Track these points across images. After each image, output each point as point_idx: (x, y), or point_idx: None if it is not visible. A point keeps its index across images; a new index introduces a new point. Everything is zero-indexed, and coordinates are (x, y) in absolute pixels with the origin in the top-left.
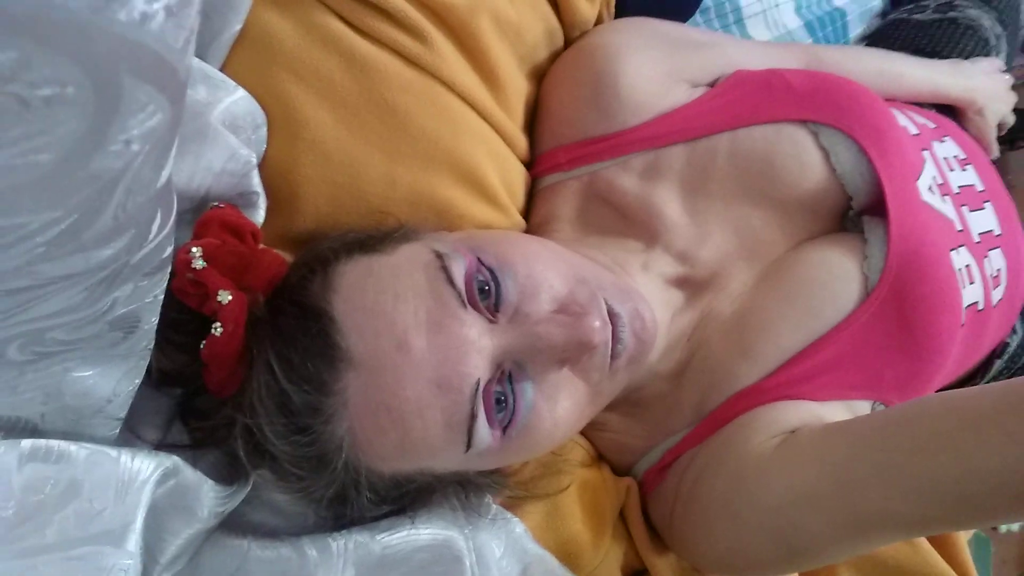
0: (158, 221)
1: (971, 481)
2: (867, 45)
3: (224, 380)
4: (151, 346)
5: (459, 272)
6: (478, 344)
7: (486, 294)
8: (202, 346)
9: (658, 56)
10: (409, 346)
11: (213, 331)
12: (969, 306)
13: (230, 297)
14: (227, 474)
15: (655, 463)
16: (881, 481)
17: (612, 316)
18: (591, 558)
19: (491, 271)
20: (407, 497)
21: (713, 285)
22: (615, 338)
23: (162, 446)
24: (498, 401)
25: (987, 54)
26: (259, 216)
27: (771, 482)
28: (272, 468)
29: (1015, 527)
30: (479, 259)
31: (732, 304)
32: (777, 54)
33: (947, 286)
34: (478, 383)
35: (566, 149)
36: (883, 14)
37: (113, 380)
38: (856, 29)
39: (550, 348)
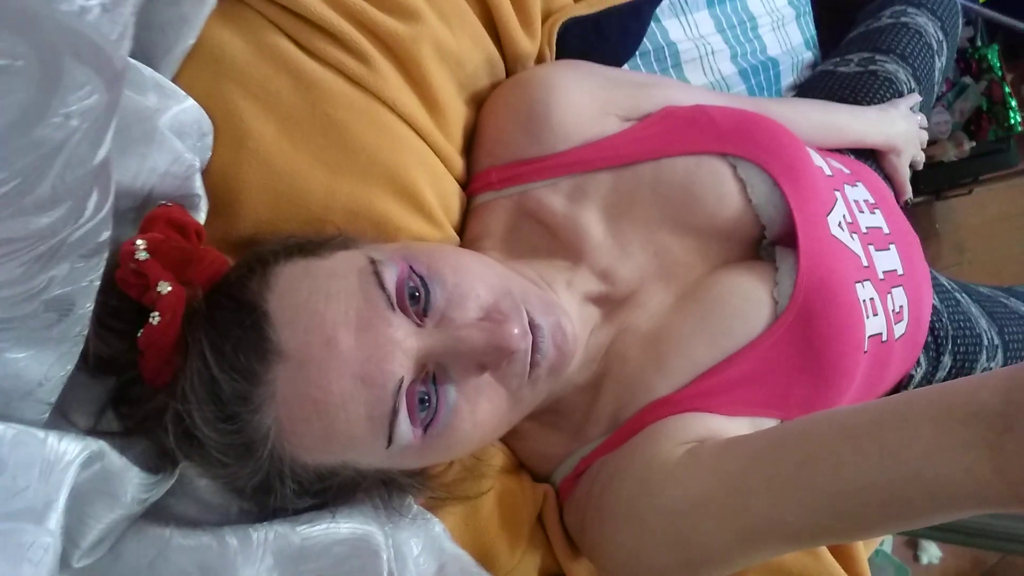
0: (94, 199)
1: (848, 491)
2: (796, 93)
3: (159, 369)
4: (85, 332)
5: (391, 277)
6: (404, 344)
7: (416, 299)
8: (139, 334)
9: (591, 89)
10: (337, 342)
11: (151, 320)
12: (872, 336)
13: (169, 288)
14: (154, 464)
15: (570, 471)
16: (770, 491)
17: (534, 327)
18: (507, 560)
19: (421, 278)
20: (330, 492)
21: (631, 303)
22: (535, 348)
23: (92, 432)
24: (421, 401)
25: None
26: (200, 219)
27: (672, 488)
28: (199, 455)
29: (935, 559)
30: (411, 267)
31: (649, 321)
32: (723, 101)
33: (851, 314)
34: (401, 381)
35: (498, 169)
36: (812, 65)
37: (45, 364)
38: (788, 78)
39: (471, 351)
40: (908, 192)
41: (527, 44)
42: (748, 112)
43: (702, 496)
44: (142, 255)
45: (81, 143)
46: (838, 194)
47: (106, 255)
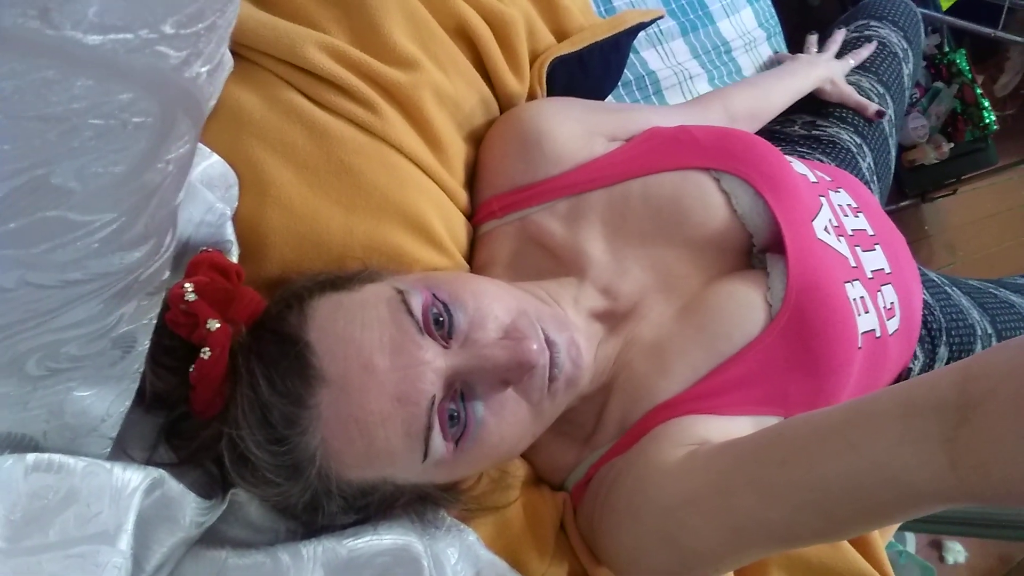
0: (169, 237)
1: (822, 487)
2: None
3: (210, 400)
4: (141, 369)
5: (417, 305)
6: (433, 365)
7: (440, 324)
8: (191, 369)
9: (577, 116)
10: (374, 366)
11: (202, 355)
12: (866, 332)
13: (218, 325)
14: (207, 492)
15: (581, 477)
16: (753, 491)
17: (550, 344)
18: (537, 567)
19: (444, 304)
20: (371, 507)
21: (634, 316)
22: (553, 363)
23: (150, 463)
24: (452, 417)
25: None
26: (234, 260)
27: (667, 486)
28: (253, 477)
29: (961, 558)
30: (434, 295)
31: (652, 331)
32: (694, 113)
33: (842, 312)
34: (433, 398)
35: (499, 198)
36: None
37: (107, 401)
38: None
39: (495, 368)
40: (871, 106)
41: (515, 85)
42: (729, 129)
43: (692, 494)
44: (191, 296)
45: (171, 186)
46: (823, 199)
47: (164, 294)
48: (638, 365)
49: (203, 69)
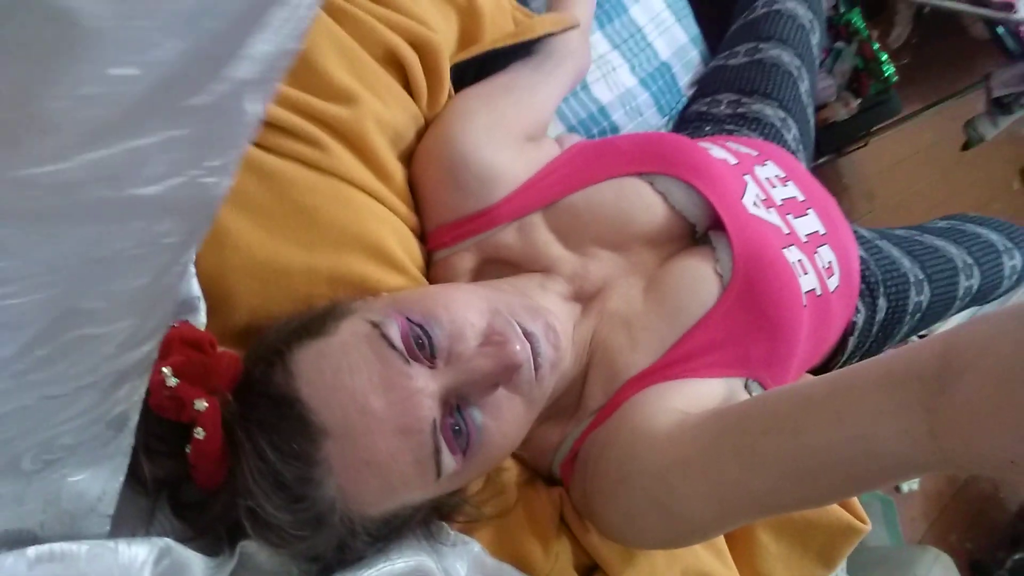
0: (167, 324)
1: (805, 456)
2: (696, 90)
3: (212, 474)
4: (132, 444)
5: (395, 334)
6: (427, 391)
7: (422, 346)
8: (188, 450)
9: (491, 127)
10: (371, 408)
11: (196, 435)
12: (808, 292)
13: (206, 404)
14: (212, 549)
15: (567, 454)
16: (738, 457)
17: (528, 335)
18: (543, 563)
19: (420, 326)
20: (394, 531)
21: (604, 295)
22: (535, 352)
23: (152, 533)
24: (455, 431)
25: (793, 84)
26: (201, 318)
27: (657, 452)
28: (278, 537)
29: (915, 485)
30: (408, 318)
31: (622, 308)
32: (560, 69)
33: (786, 275)
34: (434, 421)
35: (447, 228)
36: (703, 61)
37: (102, 480)
38: (683, 78)
39: (484, 377)
40: None
41: (438, 107)
42: (648, 133)
43: (680, 460)
44: (172, 381)
45: (180, 282)
46: (747, 177)
47: (151, 368)
48: (611, 341)
49: (229, 182)
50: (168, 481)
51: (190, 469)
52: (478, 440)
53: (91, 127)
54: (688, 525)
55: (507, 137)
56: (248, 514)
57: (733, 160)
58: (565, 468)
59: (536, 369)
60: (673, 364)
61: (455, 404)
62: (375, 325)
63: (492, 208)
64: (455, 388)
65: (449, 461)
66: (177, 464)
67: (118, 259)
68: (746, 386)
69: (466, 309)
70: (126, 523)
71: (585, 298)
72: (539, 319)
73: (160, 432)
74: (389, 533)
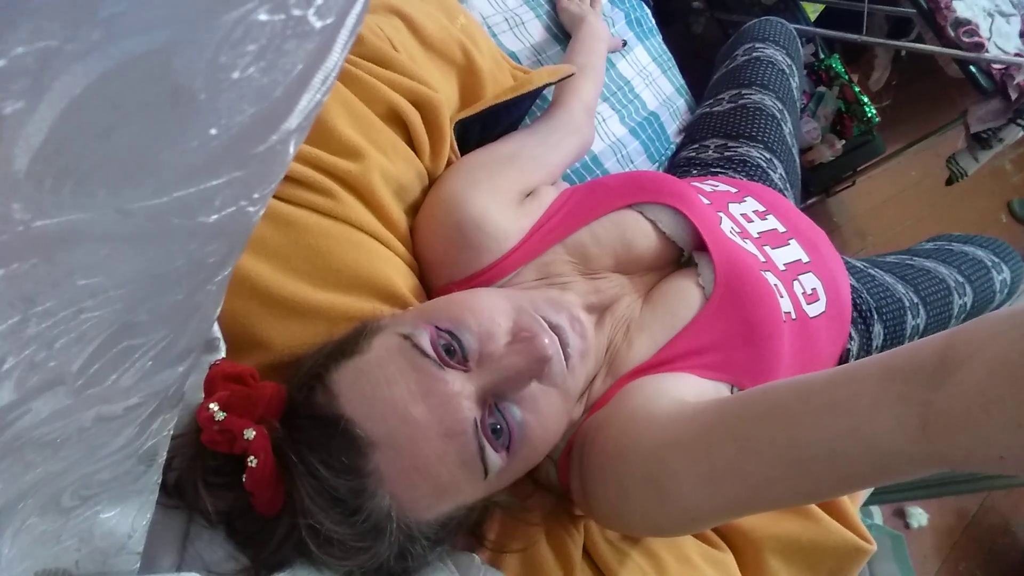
0: (199, 349)
1: (799, 444)
2: (684, 138)
3: (271, 499)
4: (159, 480)
5: (426, 343)
6: (464, 393)
7: (452, 352)
8: (244, 479)
9: (492, 186)
10: (413, 417)
11: (249, 464)
12: (785, 313)
13: (254, 433)
14: None
15: (563, 448)
16: (733, 441)
17: (555, 328)
18: None
19: (449, 332)
20: (451, 533)
21: (616, 307)
22: (563, 344)
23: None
24: (495, 430)
25: (776, 126)
26: (222, 355)
27: (654, 429)
28: (342, 552)
29: (924, 521)
30: (436, 327)
31: (624, 316)
32: (562, 121)
33: (763, 287)
34: (475, 422)
35: (460, 284)
36: (689, 109)
37: (131, 517)
38: (671, 126)
39: (517, 373)
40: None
41: (440, 161)
42: (630, 172)
43: (675, 439)
44: (219, 415)
45: (212, 304)
46: (721, 214)
47: (180, 404)
48: (616, 343)
49: (264, 209)
50: (230, 513)
51: (249, 498)
52: (520, 435)
53: (184, 171)
54: (680, 507)
55: (509, 200)
56: (310, 532)
57: (707, 201)
58: (562, 462)
59: (567, 359)
60: (664, 362)
61: (493, 403)
62: (406, 337)
63: (504, 257)
64: (491, 388)
65: (495, 458)
66: (236, 495)
67: (170, 275)
68: (731, 392)
69: (492, 310)
70: (156, 553)
71: (600, 310)
72: (563, 311)
73: (216, 466)
74: (447, 535)
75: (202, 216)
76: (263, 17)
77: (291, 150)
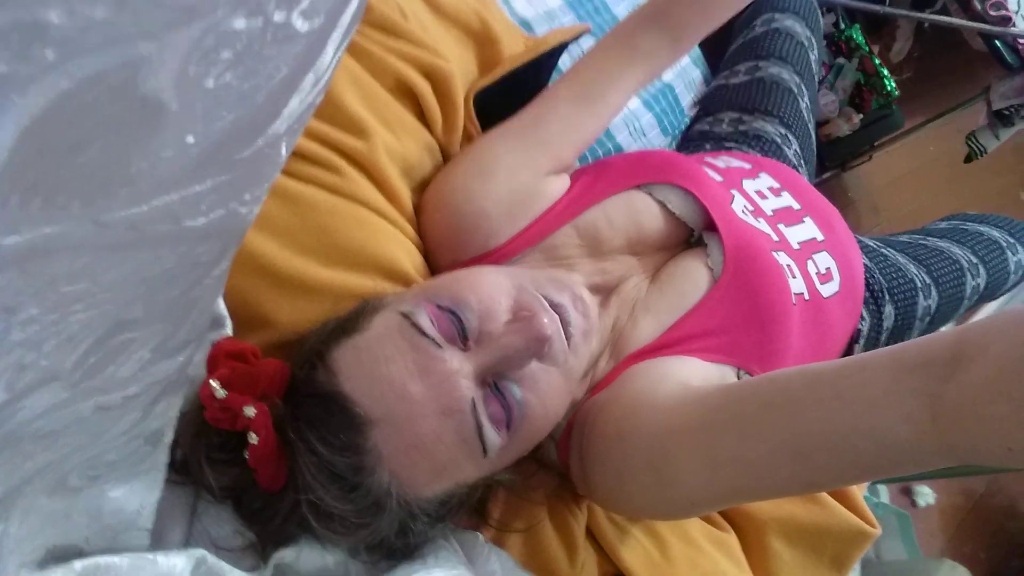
0: (199, 339)
1: (803, 433)
2: (699, 110)
3: (274, 475)
4: (166, 460)
5: (425, 322)
6: (462, 371)
7: (452, 330)
8: (246, 455)
9: (512, 166)
10: (411, 394)
11: (250, 440)
12: (797, 295)
13: (254, 410)
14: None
15: (564, 427)
16: (736, 428)
17: (556, 307)
18: (569, 573)
19: (450, 310)
20: (452, 510)
21: (622, 288)
22: (565, 323)
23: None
24: (494, 408)
25: (793, 100)
26: (228, 333)
27: (657, 412)
28: (343, 527)
29: (931, 500)
30: (437, 305)
31: (630, 297)
32: (594, 123)
33: (774, 269)
34: (473, 400)
35: (464, 264)
36: (704, 80)
37: (139, 495)
38: (686, 98)
39: (516, 352)
40: None
41: (453, 135)
42: (640, 151)
43: (679, 424)
44: (221, 393)
45: (209, 297)
46: (734, 191)
47: (186, 386)
48: (619, 322)
49: (258, 209)
50: (233, 488)
51: (253, 474)
52: (519, 414)
53: (162, 180)
54: (680, 493)
55: (538, 174)
56: (311, 508)
57: (719, 178)
58: (563, 441)
59: (568, 339)
60: (669, 345)
61: (493, 382)
62: (405, 316)
63: (514, 238)
64: (490, 367)
65: (494, 437)
66: (240, 471)
67: (161, 276)
68: (738, 376)
69: (493, 289)
70: (165, 531)
71: (606, 291)
72: (565, 290)
73: (219, 442)
74: (448, 512)
75: (189, 221)
76: (238, 24)
77: (283, 152)
